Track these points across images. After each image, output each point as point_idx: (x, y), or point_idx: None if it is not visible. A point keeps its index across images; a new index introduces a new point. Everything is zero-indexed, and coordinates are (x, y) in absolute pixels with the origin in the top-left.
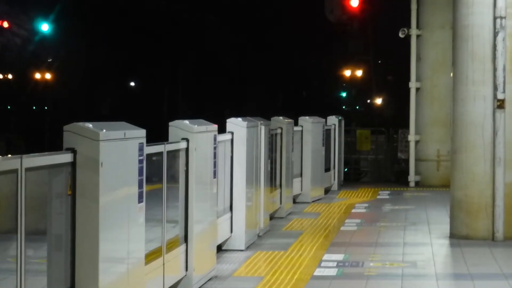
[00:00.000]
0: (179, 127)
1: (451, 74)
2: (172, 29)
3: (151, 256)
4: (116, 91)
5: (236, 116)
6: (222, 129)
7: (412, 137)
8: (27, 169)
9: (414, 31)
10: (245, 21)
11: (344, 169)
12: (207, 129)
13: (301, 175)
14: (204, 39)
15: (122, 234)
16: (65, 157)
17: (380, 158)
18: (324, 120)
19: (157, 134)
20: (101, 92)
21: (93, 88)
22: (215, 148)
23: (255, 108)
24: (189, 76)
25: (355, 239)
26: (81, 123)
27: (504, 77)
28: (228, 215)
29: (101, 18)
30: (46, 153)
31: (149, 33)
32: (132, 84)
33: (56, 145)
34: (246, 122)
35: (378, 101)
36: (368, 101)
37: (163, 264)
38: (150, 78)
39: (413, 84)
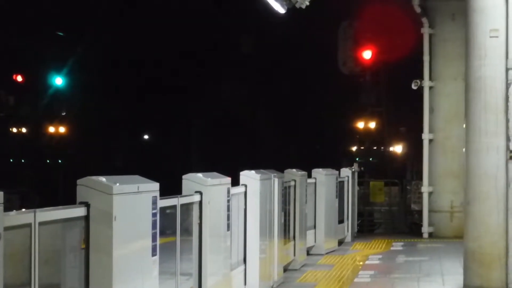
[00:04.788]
0: (192, 180)
1: (464, 126)
2: (185, 82)
3: None
4: (129, 143)
5: (249, 168)
6: (235, 182)
7: (425, 189)
8: (41, 223)
9: (426, 83)
10: (258, 74)
11: (358, 220)
12: (220, 182)
13: (314, 227)
14: (217, 92)
15: None
16: (79, 211)
17: (393, 209)
18: (337, 172)
19: (170, 187)
20: (114, 145)
21: (106, 141)
22: (228, 201)
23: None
24: (203, 128)
25: None
26: (94, 177)
27: None
28: (242, 267)
29: (114, 72)
30: (60, 207)
31: (163, 85)
32: (146, 137)
33: (70, 199)
34: (260, 175)
35: (391, 151)
36: (382, 148)
37: None
38: (164, 131)
39: (426, 136)
